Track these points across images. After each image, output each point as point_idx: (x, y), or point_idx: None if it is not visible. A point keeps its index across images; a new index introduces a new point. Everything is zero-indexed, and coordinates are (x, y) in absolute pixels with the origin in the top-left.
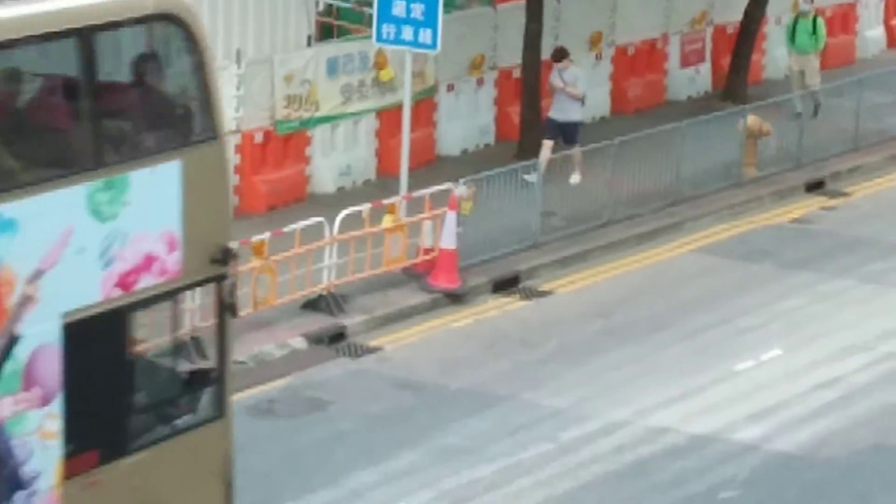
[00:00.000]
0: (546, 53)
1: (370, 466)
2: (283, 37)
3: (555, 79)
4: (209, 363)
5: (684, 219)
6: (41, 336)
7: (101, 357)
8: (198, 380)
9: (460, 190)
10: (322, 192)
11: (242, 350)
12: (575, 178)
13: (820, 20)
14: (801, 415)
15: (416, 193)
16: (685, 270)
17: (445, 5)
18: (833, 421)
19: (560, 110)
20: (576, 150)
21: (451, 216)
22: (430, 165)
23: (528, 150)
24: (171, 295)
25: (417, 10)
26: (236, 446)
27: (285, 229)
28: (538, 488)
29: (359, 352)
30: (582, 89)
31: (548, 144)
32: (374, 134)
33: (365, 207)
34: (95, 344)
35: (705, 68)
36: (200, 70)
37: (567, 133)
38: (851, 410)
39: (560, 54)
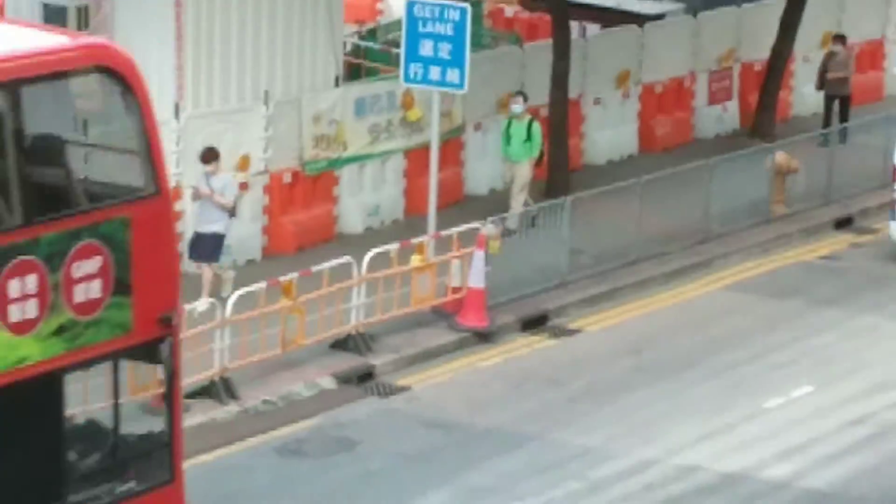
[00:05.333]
0: (573, 92)
1: None
2: (310, 77)
3: (201, 184)
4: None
5: (713, 256)
6: None
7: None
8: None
9: (488, 229)
10: (350, 232)
11: (271, 390)
12: (202, 305)
13: (536, 125)
14: (831, 452)
15: (444, 232)
16: (714, 308)
17: (473, 44)
18: (864, 458)
19: (204, 220)
20: (213, 269)
21: (479, 255)
22: (457, 204)
23: (556, 188)
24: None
25: (445, 50)
26: (265, 486)
27: (314, 269)
28: None
29: (387, 391)
30: (231, 198)
31: (206, 269)
32: (401, 173)
33: (393, 247)
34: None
35: (733, 106)
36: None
37: (206, 245)
38: (882, 447)
39: (209, 155)
